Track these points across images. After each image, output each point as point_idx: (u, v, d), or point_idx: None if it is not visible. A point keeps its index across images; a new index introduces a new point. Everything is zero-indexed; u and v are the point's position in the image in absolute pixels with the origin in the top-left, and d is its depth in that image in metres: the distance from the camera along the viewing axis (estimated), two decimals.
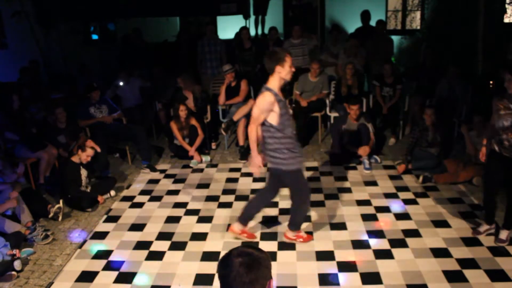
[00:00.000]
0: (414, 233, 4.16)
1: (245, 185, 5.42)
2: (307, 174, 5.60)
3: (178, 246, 4.13)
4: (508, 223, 3.92)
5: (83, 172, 5.04)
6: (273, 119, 3.55)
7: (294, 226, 4.04)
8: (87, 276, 3.74)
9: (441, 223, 4.31)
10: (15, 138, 5.42)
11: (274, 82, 3.61)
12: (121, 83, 7.10)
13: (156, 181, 5.65)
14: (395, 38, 8.16)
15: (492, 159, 3.84)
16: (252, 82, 6.88)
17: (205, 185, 5.44)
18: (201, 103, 6.80)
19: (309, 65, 6.83)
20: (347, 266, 3.70)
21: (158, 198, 5.17)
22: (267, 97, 3.53)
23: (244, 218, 4.07)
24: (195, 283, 3.58)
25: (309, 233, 4.17)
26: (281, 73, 3.58)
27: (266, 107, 3.52)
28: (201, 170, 5.94)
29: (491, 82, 6.54)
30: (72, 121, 5.90)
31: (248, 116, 6.32)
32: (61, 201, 4.73)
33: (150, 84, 7.45)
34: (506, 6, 8.42)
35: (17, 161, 5.23)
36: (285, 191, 5.14)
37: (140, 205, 5.02)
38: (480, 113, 5.09)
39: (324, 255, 3.86)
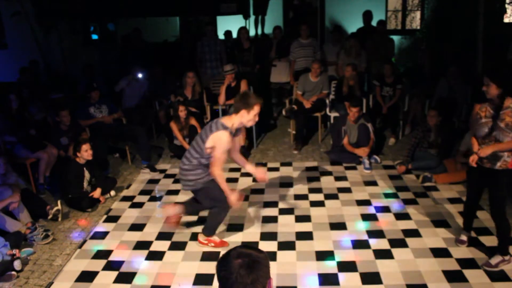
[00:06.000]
0: (414, 233, 4.16)
1: (245, 185, 5.42)
2: (307, 174, 5.61)
3: (178, 246, 4.12)
4: (501, 249, 3.58)
5: (86, 175, 5.03)
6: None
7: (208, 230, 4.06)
8: (87, 276, 3.73)
9: (441, 223, 4.31)
10: (13, 139, 5.41)
11: (234, 121, 3.68)
12: (140, 75, 7.06)
13: (156, 181, 5.65)
14: (395, 38, 8.16)
15: (473, 169, 3.52)
16: (252, 82, 6.87)
17: None
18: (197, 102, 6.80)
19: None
20: (347, 266, 3.70)
21: (158, 198, 5.18)
22: (225, 137, 3.61)
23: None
24: (195, 283, 3.58)
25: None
26: (243, 118, 3.64)
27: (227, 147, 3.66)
28: None
29: None
30: (75, 124, 5.89)
31: None
32: (59, 203, 4.70)
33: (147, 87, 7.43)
34: (506, 6, 8.43)
35: (18, 162, 5.24)
36: (284, 192, 5.16)
37: (140, 205, 5.01)
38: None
39: (324, 255, 3.86)
